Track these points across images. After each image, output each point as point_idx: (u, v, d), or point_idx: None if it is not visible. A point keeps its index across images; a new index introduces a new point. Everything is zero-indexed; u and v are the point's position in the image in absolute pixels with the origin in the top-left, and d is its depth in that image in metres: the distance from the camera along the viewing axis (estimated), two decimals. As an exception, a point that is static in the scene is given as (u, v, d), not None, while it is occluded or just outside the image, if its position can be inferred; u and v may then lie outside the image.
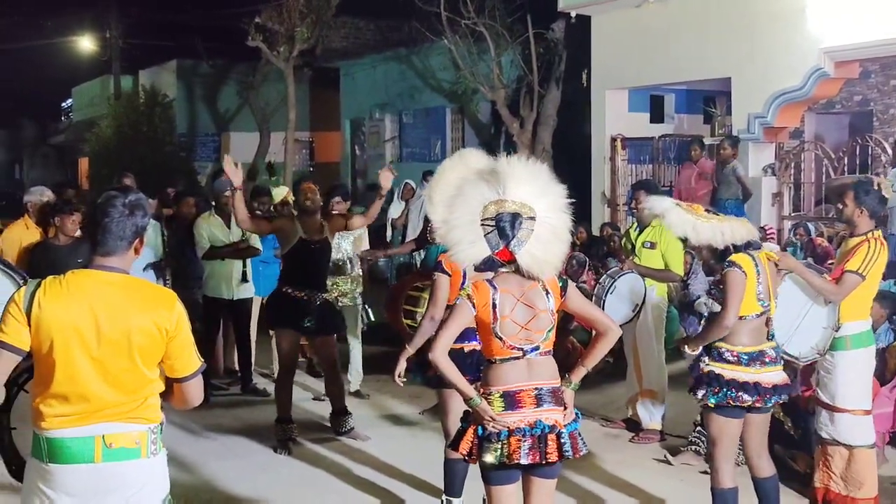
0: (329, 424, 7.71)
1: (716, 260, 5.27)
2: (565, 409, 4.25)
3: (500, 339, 4.16)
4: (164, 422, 3.54)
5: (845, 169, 12.02)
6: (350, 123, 25.23)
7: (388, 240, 13.90)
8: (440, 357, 4.17)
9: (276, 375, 9.34)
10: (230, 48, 25.19)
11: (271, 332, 8.05)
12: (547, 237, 4.18)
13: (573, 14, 15.35)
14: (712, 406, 5.11)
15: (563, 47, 16.70)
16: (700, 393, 5.13)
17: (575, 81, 16.47)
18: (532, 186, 4.20)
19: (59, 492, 3.32)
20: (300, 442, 7.43)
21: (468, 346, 5.06)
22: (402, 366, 5.39)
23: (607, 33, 14.90)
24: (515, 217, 4.13)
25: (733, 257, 5.13)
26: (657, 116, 16.28)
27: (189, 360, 3.47)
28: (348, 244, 8.78)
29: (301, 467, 6.97)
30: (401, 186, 13.84)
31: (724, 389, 5.04)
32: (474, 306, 4.17)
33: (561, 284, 4.28)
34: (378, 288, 13.70)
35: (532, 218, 4.15)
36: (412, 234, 13.06)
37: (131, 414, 3.36)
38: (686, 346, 5.41)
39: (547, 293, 4.22)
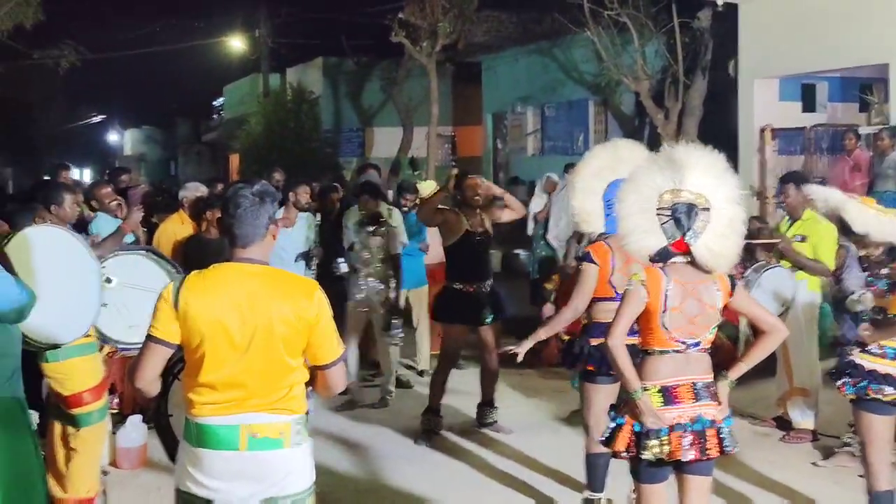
0: (474, 416, 7.72)
1: (891, 257, 5.01)
2: (719, 404, 4.16)
3: (667, 329, 4.07)
4: (312, 412, 3.60)
5: None
6: (492, 117, 25.26)
7: (528, 233, 13.82)
8: (619, 345, 4.08)
9: (419, 367, 9.48)
10: (374, 45, 25.58)
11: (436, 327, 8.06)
12: (722, 230, 4.08)
13: (720, 2, 14.97)
14: (853, 398, 4.95)
15: (710, 36, 16.32)
16: (839, 382, 5.00)
17: (721, 71, 16.06)
18: (709, 176, 4.10)
19: (206, 475, 3.42)
20: (443, 434, 7.47)
21: None
22: (527, 346, 5.41)
23: (756, 20, 14.46)
24: (692, 207, 4.04)
25: None
26: (809, 105, 15.71)
27: (331, 348, 3.52)
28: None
29: (446, 460, 7.01)
30: (542, 179, 13.73)
31: (864, 381, 4.86)
32: (648, 293, 4.09)
33: (730, 282, 4.17)
34: (520, 282, 13.68)
35: (707, 209, 4.06)
36: (554, 227, 12.95)
37: (276, 405, 3.43)
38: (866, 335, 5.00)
39: (717, 289, 4.13)
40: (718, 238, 4.06)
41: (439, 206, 7.49)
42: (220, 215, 7.39)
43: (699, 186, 4.06)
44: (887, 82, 12.83)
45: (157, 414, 5.69)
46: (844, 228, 5.16)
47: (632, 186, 4.23)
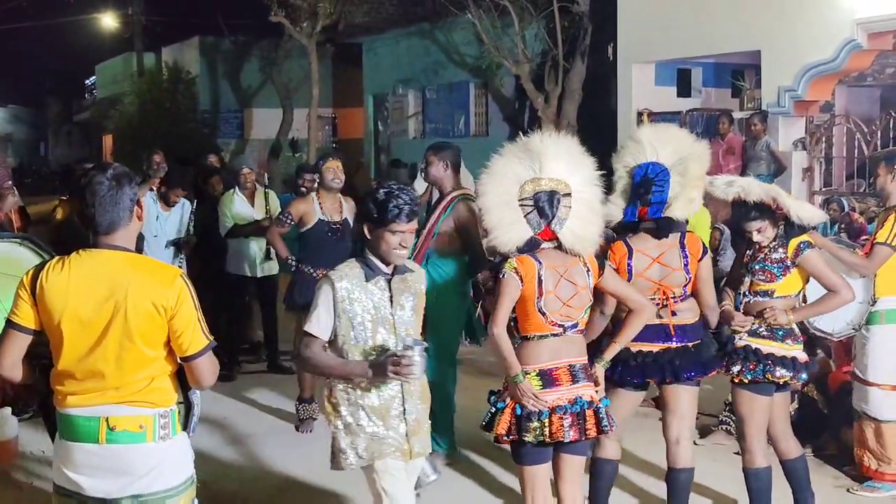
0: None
1: (783, 242, 4.96)
2: (596, 384, 4.23)
3: (543, 314, 4.11)
4: (196, 404, 3.45)
5: (878, 143, 11.79)
6: (373, 99, 25.13)
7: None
8: (501, 332, 4.11)
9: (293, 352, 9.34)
10: (252, 24, 25.10)
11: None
12: (584, 213, 4.16)
13: (599, -14, 15.18)
14: (746, 382, 4.94)
15: (589, 20, 16.52)
16: (735, 369, 4.96)
17: (600, 55, 16.29)
18: (566, 162, 4.18)
19: (71, 468, 3.32)
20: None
21: None
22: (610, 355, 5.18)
23: (634, 6, 14.70)
24: (553, 195, 4.11)
25: (808, 238, 4.94)
26: (684, 90, 16.08)
27: (194, 338, 3.34)
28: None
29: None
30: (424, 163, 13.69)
31: (761, 365, 4.89)
32: (521, 280, 4.11)
33: (599, 263, 4.25)
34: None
35: (568, 194, 4.13)
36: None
37: (136, 397, 3.31)
38: (788, 315, 4.93)
39: (587, 270, 4.19)
40: (581, 221, 4.15)
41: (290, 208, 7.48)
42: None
43: (557, 173, 4.14)
44: (759, 68, 13.20)
45: (45, 404, 5.48)
46: (772, 217, 4.96)
47: (492, 179, 4.26)
